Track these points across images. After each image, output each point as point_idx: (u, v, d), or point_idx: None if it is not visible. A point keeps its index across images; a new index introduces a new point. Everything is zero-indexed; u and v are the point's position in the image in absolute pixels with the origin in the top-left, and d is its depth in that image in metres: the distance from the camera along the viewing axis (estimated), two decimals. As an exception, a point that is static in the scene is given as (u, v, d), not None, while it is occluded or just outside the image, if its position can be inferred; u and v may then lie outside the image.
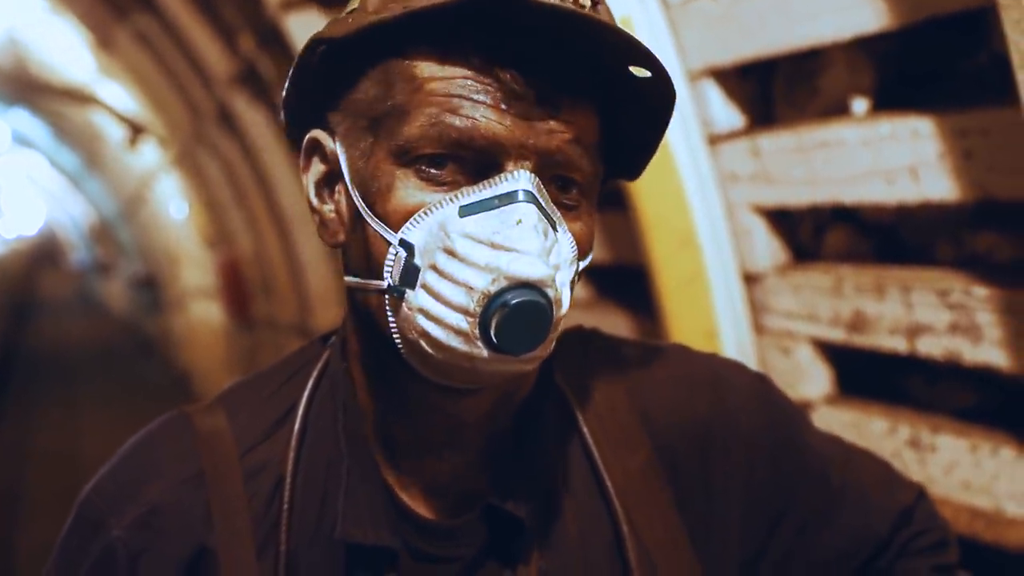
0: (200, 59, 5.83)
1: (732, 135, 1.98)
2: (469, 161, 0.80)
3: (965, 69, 1.65)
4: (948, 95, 1.64)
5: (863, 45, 1.71)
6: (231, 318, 8.22)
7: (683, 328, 2.10)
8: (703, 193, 2.02)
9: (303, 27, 3.70)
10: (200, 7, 5.33)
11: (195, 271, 10.16)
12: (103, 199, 17.03)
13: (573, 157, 0.82)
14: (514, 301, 0.76)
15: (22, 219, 30.97)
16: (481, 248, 0.77)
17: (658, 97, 0.85)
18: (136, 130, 9.12)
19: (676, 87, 0.84)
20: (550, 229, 0.80)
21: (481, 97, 0.79)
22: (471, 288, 0.77)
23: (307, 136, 0.90)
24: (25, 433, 9.63)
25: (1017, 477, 1.52)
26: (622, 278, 2.48)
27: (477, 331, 0.77)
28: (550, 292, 0.78)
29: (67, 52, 9.25)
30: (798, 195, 1.84)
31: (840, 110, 1.80)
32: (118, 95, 9.21)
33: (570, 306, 0.83)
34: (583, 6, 0.80)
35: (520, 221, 0.77)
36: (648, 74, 0.81)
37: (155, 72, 7.28)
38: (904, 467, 1.68)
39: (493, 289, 0.76)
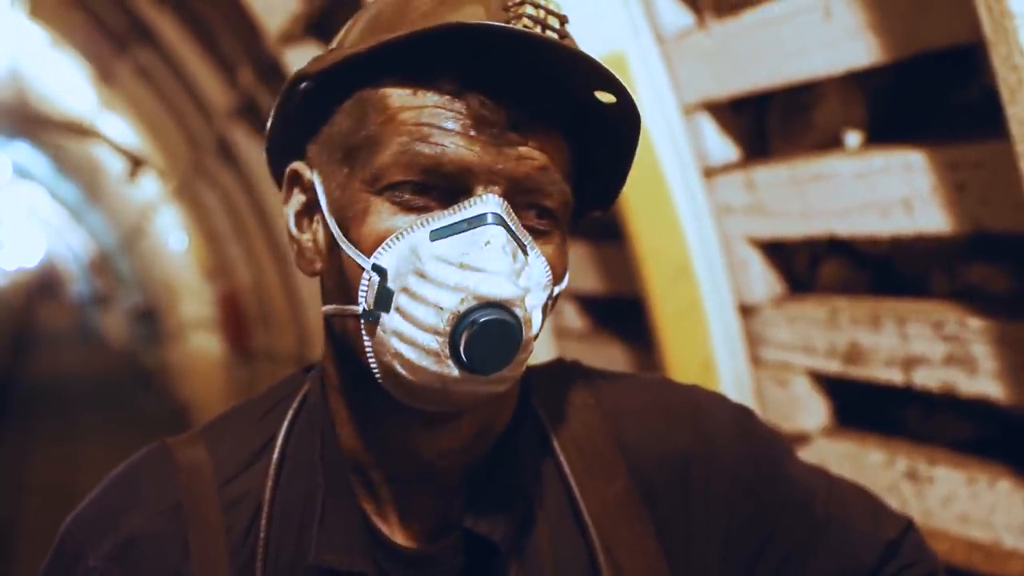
0: (200, 92, 5.88)
1: (727, 168, 1.99)
2: (440, 187, 0.82)
3: (956, 102, 1.66)
4: (940, 128, 1.66)
5: (856, 79, 1.72)
6: (230, 350, 8.22)
7: (679, 359, 2.10)
8: (699, 225, 2.03)
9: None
10: (200, 41, 5.38)
11: (194, 303, 10.17)
12: (103, 231, 17.07)
13: (543, 184, 0.83)
14: (482, 320, 0.77)
15: (22, 251, 31.03)
16: (451, 269, 0.78)
17: (625, 123, 0.86)
18: (136, 163, 9.18)
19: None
20: (520, 252, 0.81)
21: (450, 124, 0.81)
22: (441, 308, 0.78)
23: (288, 168, 0.92)
24: (22, 465, 9.60)
25: (1015, 509, 1.52)
26: (619, 309, 2.48)
27: (447, 350, 0.78)
28: (518, 311, 0.78)
29: (68, 85, 9.32)
30: (793, 227, 1.84)
31: (834, 143, 1.81)
32: (118, 128, 9.27)
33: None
34: (554, 30, 0.82)
35: (488, 243, 0.79)
36: (613, 99, 0.83)
37: (155, 105, 7.34)
38: (902, 499, 1.68)
39: (462, 308, 0.77)
